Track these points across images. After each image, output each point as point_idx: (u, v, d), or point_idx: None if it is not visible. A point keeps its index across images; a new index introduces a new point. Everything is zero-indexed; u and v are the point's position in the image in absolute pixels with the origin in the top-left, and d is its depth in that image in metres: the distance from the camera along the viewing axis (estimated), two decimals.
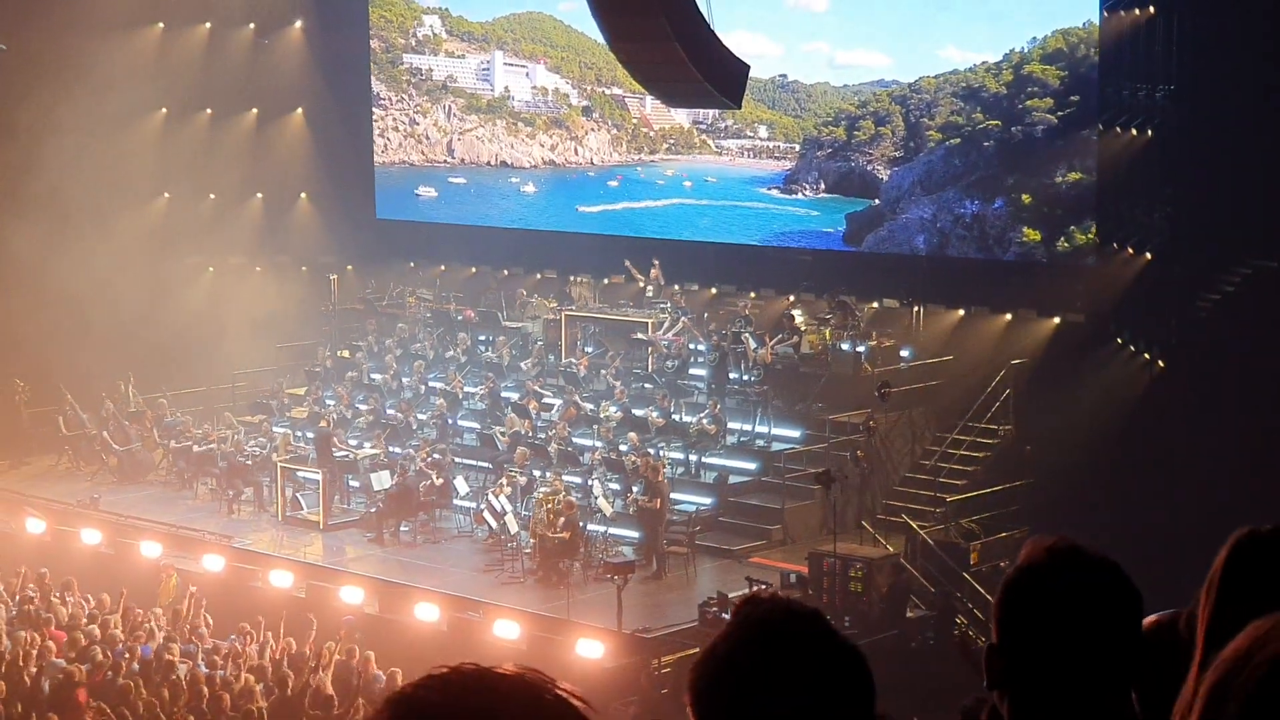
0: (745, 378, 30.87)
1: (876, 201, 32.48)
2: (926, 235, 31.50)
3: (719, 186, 34.75)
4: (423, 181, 38.87)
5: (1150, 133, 27.33)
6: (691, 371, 31.83)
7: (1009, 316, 29.29)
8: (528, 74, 37.62)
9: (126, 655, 21.79)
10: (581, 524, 26.53)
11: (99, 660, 21.50)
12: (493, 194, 37.99)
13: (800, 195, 33.57)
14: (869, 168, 32.56)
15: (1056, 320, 28.69)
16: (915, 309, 31.03)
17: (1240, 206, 26.07)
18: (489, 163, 38.09)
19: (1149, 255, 27.45)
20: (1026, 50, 30.06)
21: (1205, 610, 3.08)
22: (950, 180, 31.28)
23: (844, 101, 33.03)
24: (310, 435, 30.90)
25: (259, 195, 38.73)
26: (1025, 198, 29.96)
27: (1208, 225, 26.45)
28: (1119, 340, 27.87)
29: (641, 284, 33.54)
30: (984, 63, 30.56)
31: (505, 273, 36.64)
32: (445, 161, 38.59)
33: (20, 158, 33.96)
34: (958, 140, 31.03)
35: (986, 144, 30.63)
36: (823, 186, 33.38)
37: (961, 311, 29.89)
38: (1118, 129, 27.94)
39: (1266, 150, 25.36)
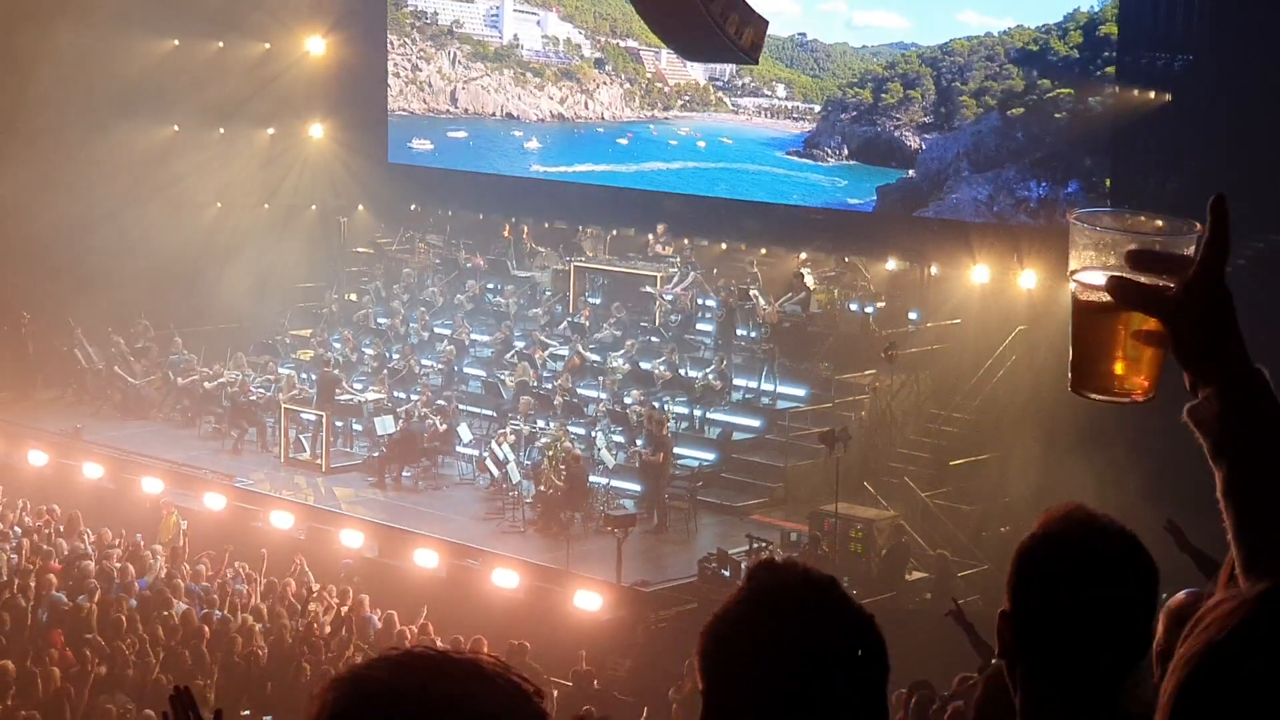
0: (752, 334, 30.81)
1: (911, 173, 31.18)
2: (984, 221, 29.54)
3: (735, 149, 34.05)
4: (423, 132, 38.38)
5: (1169, 97, 27.18)
6: (699, 326, 31.79)
7: (1018, 280, 29.16)
8: (539, 22, 37.05)
9: (124, 591, 21.82)
10: (585, 476, 26.54)
11: (97, 595, 21.53)
12: (493, 150, 37.53)
13: (823, 161, 32.82)
14: (897, 134, 31.19)
15: (1065, 284, 28.50)
16: (925, 270, 30.95)
17: (1253, 181, 25.94)
18: (493, 114, 37.64)
19: (1160, 223, 27.29)
20: (1095, 10, 28.26)
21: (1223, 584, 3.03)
22: (1009, 156, 29.46)
23: (866, 62, 31.98)
24: (314, 377, 30.88)
25: (269, 130, 38.51)
26: (1108, 181, 28.07)
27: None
28: None
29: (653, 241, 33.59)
30: (1018, 26, 29.36)
31: (514, 220, 36.48)
32: (448, 111, 38.07)
33: (21, 86, 33.75)
34: (1020, 110, 29.38)
35: (1057, 115, 28.94)
36: (846, 152, 32.16)
37: (971, 274, 29.74)
38: (1135, 92, 27.79)
39: None
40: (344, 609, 21.80)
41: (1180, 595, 4.14)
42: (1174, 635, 3.94)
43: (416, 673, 1.38)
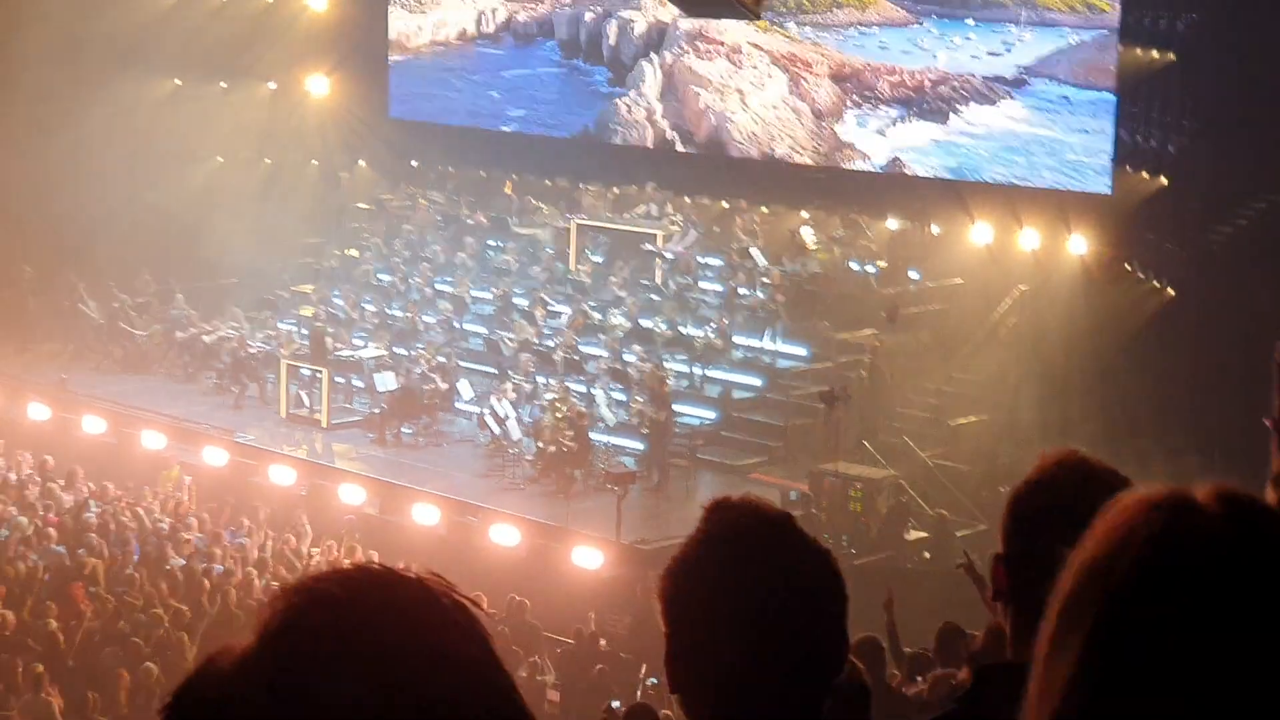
0: (759, 294, 30.77)
1: None
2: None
3: None
4: (429, 83, 38.10)
5: (1173, 55, 27.11)
6: (700, 284, 31.78)
7: (1019, 240, 29.14)
8: None
9: (125, 546, 21.88)
10: (588, 433, 26.58)
11: (99, 550, 21.59)
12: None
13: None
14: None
15: (1066, 244, 28.50)
16: (925, 230, 30.92)
17: (1256, 141, 25.89)
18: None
19: (1164, 180, 27.29)
20: None
21: None
22: None
23: None
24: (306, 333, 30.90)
25: (271, 85, 38.41)
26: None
27: (1225, 156, 26.28)
28: (1128, 267, 27.77)
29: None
30: None
31: (515, 177, 36.39)
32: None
33: (17, 42, 33.61)
34: None
35: None
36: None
37: (971, 233, 29.72)
38: (1138, 50, 27.72)
39: None
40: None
41: None
42: None
43: (370, 587, 1.42)
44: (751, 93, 33.31)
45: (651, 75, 34.72)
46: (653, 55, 34.77)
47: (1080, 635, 1.51)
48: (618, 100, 35.31)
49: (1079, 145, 28.97)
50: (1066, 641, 1.52)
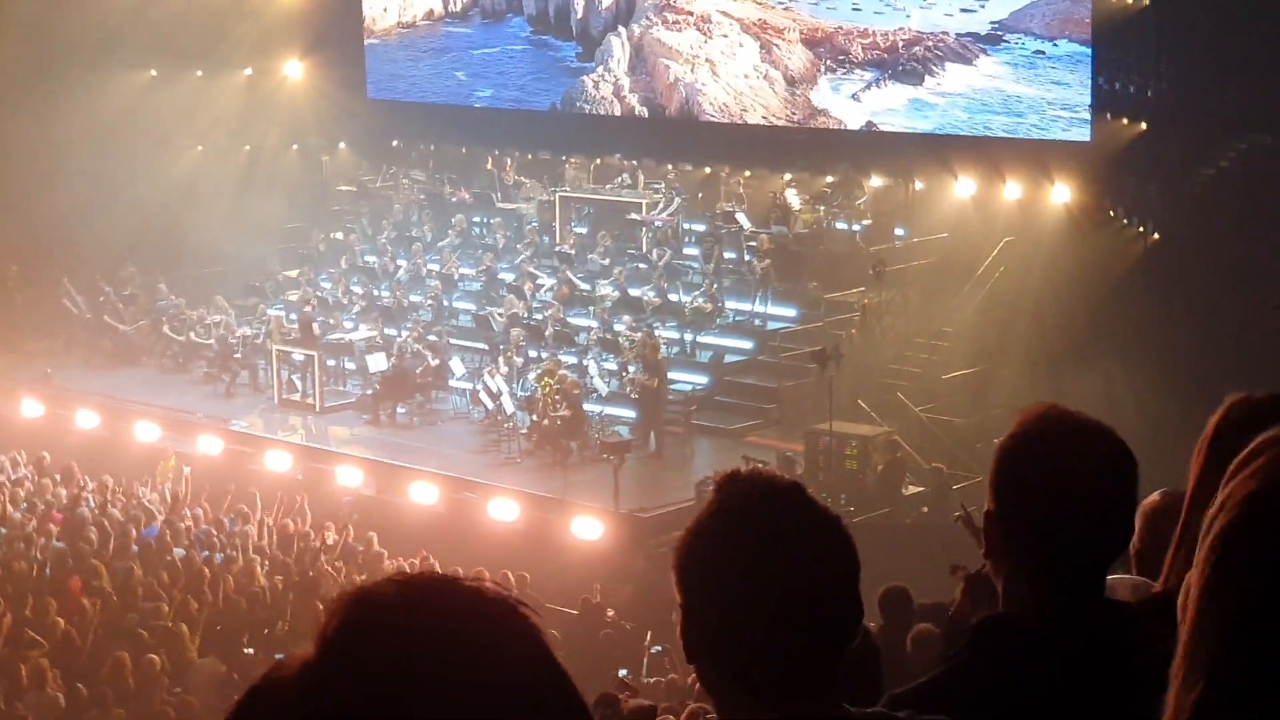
0: (746, 258, 30.77)
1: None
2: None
3: None
4: (402, 63, 37.96)
5: (1146, 0, 27.10)
6: (686, 251, 31.79)
7: (1002, 192, 29.16)
8: None
9: (123, 538, 21.89)
10: (582, 404, 26.61)
11: (97, 543, 21.61)
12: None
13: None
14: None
15: (1049, 193, 28.53)
16: (909, 187, 30.94)
17: (1238, 81, 25.90)
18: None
19: (1144, 125, 27.32)
20: None
21: (1194, 473, 3.09)
22: None
23: None
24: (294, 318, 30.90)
25: (247, 71, 38.33)
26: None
27: (1204, 99, 26.30)
28: (1111, 213, 27.81)
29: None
30: None
31: (497, 153, 36.34)
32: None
33: None
34: None
35: None
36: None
37: (955, 188, 29.74)
38: None
39: (1267, 23, 25.15)
40: (358, 547, 21.92)
41: (1155, 496, 4.15)
42: (1149, 536, 4.00)
43: (422, 592, 1.44)
44: (722, 62, 33.02)
45: (619, 49, 34.48)
46: (620, 29, 34.47)
47: (1246, 569, 1.49)
48: (584, 77, 35.17)
49: (1057, 99, 28.94)
50: (1228, 581, 1.50)
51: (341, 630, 1.42)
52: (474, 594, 1.45)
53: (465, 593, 1.45)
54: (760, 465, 23.90)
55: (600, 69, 34.81)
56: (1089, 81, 28.32)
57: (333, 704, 1.38)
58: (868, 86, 31.29)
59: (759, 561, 2.49)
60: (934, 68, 30.45)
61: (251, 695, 1.44)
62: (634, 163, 33.47)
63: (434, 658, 1.39)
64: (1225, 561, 1.52)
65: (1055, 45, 28.96)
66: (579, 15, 35.12)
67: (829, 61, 31.79)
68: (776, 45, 32.41)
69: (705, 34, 33.24)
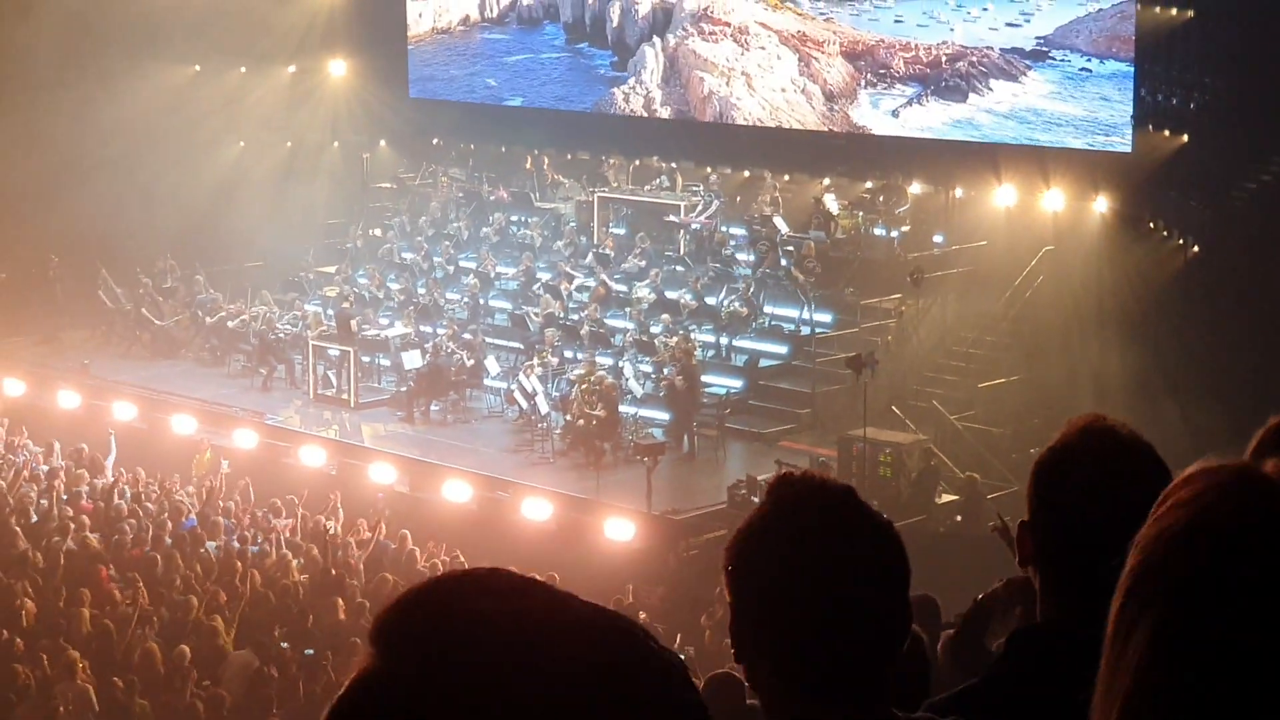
0: (783, 263, 30.74)
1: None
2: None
3: None
4: (444, 65, 37.93)
5: (1191, 13, 26.97)
6: (723, 254, 31.77)
7: (1043, 201, 29.06)
8: None
9: (157, 530, 21.99)
10: (618, 406, 26.63)
11: (131, 535, 21.71)
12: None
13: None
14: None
15: (1090, 204, 28.43)
16: (949, 194, 30.87)
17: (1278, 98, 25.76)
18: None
19: (1185, 138, 27.19)
20: None
21: None
22: None
23: None
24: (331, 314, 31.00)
25: (290, 68, 38.47)
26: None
27: (1247, 112, 26.17)
28: (1150, 226, 27.69)
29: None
30: None
31: (536, 152, 36.37)
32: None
33: (36, 31, 33.71)
34: None
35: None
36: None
37: (995, 195, 29.65)
38: (1157, 8, 27.59)
39: None
40: (390, 544, 21.96)
41: None
42: None
43: (483, 587, 1.43)
44: (759, 75, 32.68)
45: (653, 59, 34.26)
46: (655, 39, 34.16)
47: (1153, 612, 1.47)
48: (614, 90, 34.98)
49: (1102, 118, 28.69)
50: (1139, 618, 1.48)
51: (402, 630, 1.41)
52: (538, 588, 1.44)
53: (525, 585, 1.44)
54: (815, 466, 23.95)
55: (632, 80, 34.63)
56: (1131, 93, 28.19)
57: (410, 702, 1.37)
58: (909, 102, 30.92)
59: (812, 564, 2.51)
60: (978, 84, 30.13)
61: (338, 706, 1.41)
62: (673, 165, 33.44)
63: (494, 650, 1.38)
64: (1126, 610, 1.49)
65: (1103, 64, 28.68)
66: (614, 24, 34.91)
67: (869, 75, 31.42)
68: (816, 58, 32.05)
69: (743, 46, 32.92)
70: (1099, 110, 28.69)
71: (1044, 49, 29.39)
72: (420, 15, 37.89)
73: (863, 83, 31.57)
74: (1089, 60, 28.87)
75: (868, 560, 2.54)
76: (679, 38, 33.84)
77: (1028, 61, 29.57)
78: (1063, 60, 29.22)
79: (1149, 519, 1.54)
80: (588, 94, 35.70)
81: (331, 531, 22.04)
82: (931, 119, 30.72)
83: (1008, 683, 3.01)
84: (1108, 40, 28.69)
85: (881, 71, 31.29)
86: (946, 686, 3.25)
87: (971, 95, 30.17)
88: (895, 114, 31.11)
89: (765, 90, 32.73)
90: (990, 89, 30.00)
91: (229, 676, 17.65)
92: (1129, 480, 2.96)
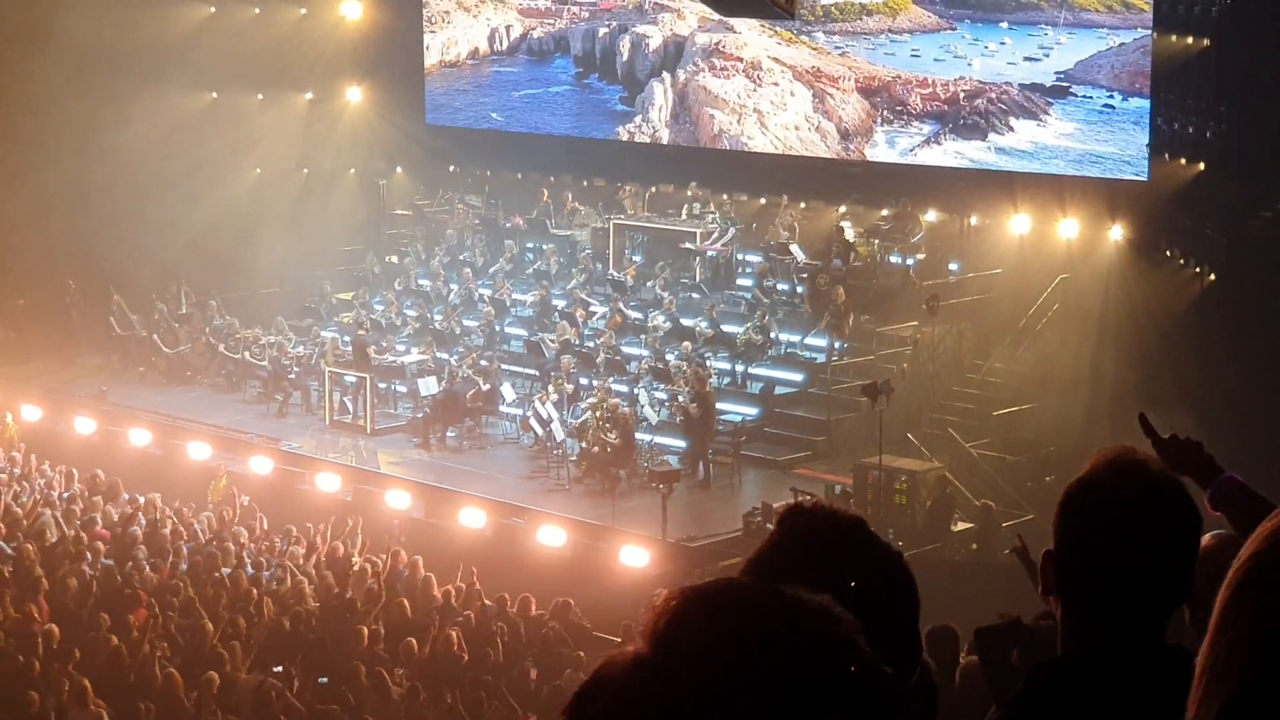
0: (798, 289, 30.75)
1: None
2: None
3: None
4: (458, 93, 38.01)
5: (1207, 41, 26.97)
6: (739, 282, 31.77)
7: (1058, 229, 29.05)
8: None
9: (174, 557, 21.98)
10: (633, 433, 26.62)
11: (147, 561, 21.69)
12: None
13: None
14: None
15: (1105, 232, 28.42)
16: (965, 221, 30.88)
17: None
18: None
19: (1202, 166, 27.16)
20: None
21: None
22: None
23: None
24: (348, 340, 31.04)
25: (307, 95, 38.60)
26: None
27: (1263, 141, 26.14)
28: (1167, 254, 27.67)
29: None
30: None
31: (553, 180, 36.42)
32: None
33: (53, 57, 33.82)
34: None
35: None
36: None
37: (1011, 223, 29.64)
38: (1173, 37, 27.60)
39: None
40: (404, 571, 21.92)
41: (1207, 538, 4.15)
42: (1200, 579, 3.98)
43: (742, 593, 1.62)
44: (771, 113, 32.41)
45: (661, 96, 34.14)
46: (664, 74, 33.95)
47: (1255, 628, 1.54)
48: (620, 128, 34.90)
49: (1122, 154, 28.58)
50: (1263, 605, 1.56)
51: (671, 624, 1.54)
52: (792, 600, 1.60)
53: (782, 598, 1.60)
54: (832, 495, 23.94)
55: (639, 118, 34.54)
56: (1148, 123, 28.17)
57: (663, 695, 1.49)
58: (926, 141, 30.68)
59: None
60: (997, 122, 29.81)
61: (587, 687, 1.56)
62: (701, 191, 33.31)
63: (755, 649, 1.52)
64: (1244, 591, 1.57)
65: (1126, 100, 28.52)
66: (625, 58, 34.78)
67: (885, 112, 31.12)
68: (830, 95, 31.71)
69: (755, 81, 32.63)
70: (1122, 148, 28.57)
71: (1064, 84, 29.13)
72: (428, 48, 37.89)
73: (879, 120, 31.25)
74: (1111, 96, 28.74)
75: (878, 590, 2.53)
76: (689, 73, 33.60)
77: (1048, 98, 29.36)
78: (1084, 97, 29.02)
79: (1270, 516, 1.63)
80: (595, 130, 35.65)
81: (353, 561, 22.05)
82: (948, 159, 30.53)
83: (1028, 716, 3.00)
84: (1130, 75, 28.45)
85: (898, 108, 30.94)
86: (963, 716, 3.24)
87: (991, 134, 29.96)
88: (912, 153, 30.87)
89: (777, 129, 32.47)
90: (1011, 128, 29.68)
91: (242, 703, 17.62)
92: (1158, 516, 2.95)
